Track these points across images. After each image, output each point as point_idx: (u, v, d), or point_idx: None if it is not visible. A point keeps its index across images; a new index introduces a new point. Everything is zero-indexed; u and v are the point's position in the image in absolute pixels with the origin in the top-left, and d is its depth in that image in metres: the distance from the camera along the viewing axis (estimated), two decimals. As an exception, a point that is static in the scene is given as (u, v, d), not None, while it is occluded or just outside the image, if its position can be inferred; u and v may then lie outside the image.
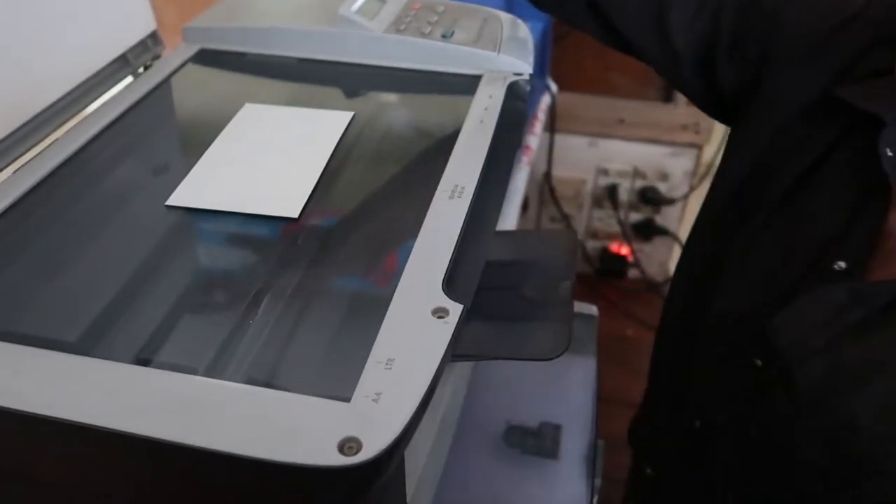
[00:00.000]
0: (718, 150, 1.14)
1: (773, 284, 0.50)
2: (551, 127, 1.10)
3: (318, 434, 0.25)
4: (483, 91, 0.48)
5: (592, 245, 1.26)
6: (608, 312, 1.22)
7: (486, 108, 0.46)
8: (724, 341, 0.54)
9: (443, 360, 0.29)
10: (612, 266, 1.25)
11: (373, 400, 0.26)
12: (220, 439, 0.25)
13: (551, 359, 0.40)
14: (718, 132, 1.13)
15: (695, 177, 1.15)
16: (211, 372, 0.30)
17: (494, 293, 0.46)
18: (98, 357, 0.29)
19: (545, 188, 1.21)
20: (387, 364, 0.28)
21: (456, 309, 0.32)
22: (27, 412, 0.26)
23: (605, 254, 1.25)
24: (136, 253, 0.36)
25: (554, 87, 1.05)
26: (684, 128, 1.10)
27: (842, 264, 0.45)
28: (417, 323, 0.31)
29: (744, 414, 0.52)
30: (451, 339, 0.30)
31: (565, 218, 1.22)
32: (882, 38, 0.47)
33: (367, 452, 0.25)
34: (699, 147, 1.13)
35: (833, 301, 0.44)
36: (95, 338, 0.32)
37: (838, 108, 0.46)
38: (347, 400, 0.26)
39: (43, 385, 0.27)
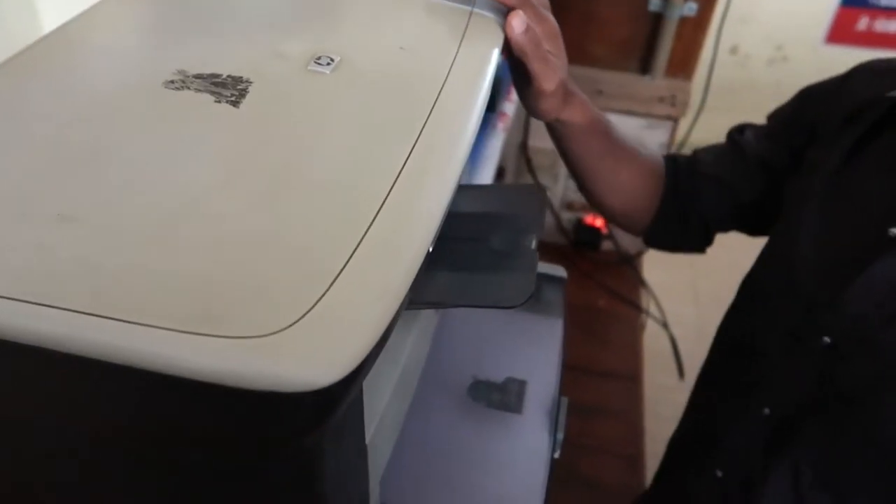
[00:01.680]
0: (692, 124, 1.15)
1: (831, 262, 0.53)
2: (529, 96, 1.10)
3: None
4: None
5: (567, 216, 1.27)
6: (581, 283, 1.23)
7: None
8: (788, 326, 0.56)
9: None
10: (586, 237, 1.26)
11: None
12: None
13: (515, 306, 0.40)
14: (693, 106, 1.14)
15: (670, 149, 1.16)
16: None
17: (461, 244, 0.47)
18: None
19: (521, 158, 1.21)
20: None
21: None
22: None
23: (580, 225, 1.26)
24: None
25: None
26: (661, 100, 1.10)
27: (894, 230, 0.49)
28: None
29: (816, 398, 0.54)
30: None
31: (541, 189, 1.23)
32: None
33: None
34: (675, 120, 1.13)
35: None
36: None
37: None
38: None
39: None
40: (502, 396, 0.55)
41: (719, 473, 0.64)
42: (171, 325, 0.25)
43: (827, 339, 0.53)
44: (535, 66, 0.51)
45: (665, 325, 1.23)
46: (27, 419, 0.32)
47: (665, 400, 1.82)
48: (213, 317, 0.25)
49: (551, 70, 0.51)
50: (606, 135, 0.63)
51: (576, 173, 0.66)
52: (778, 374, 0.58)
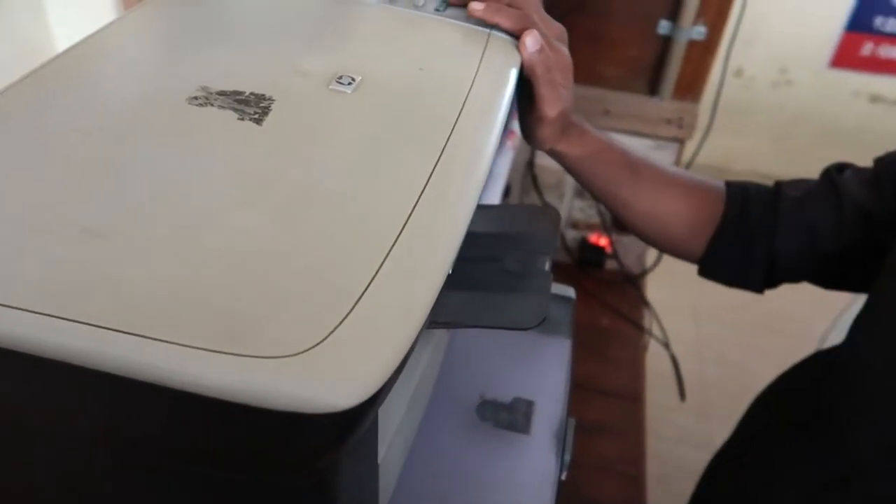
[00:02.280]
0: (699, 146, 1.16)
1: None
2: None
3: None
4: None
5: (572, 235, 1.27)
6: (585, 302, 1.23)
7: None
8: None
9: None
10: (590, 257, 1.26)
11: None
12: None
13: (529, 328, 0.41)
14: (700, 129, 1.14)
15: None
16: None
17: (476, 264, 0.47)
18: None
19: (528, 176, 1.21)
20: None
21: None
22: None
23: (584, 244, 1.26)
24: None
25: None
26: (668, 122, 1.11)
27: None
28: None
29: None
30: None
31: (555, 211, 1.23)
32: None
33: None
34: (681, 141, 1.14)
35: None
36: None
37: None
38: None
39: None
40: (510, 416, 0.55)
41: None
42: (195, 342, 0.25)
43: None
44: (543, 90, 0.51)
45: (667, 346, 1.23)
46: (47, 433, 0.32)
47: (666, 420, 1.82)
48: (238, 335, 0.25)
49: (557, 97, 0.52)
50: (621, 164, 0.60)
51: (597, 200, 0.64)
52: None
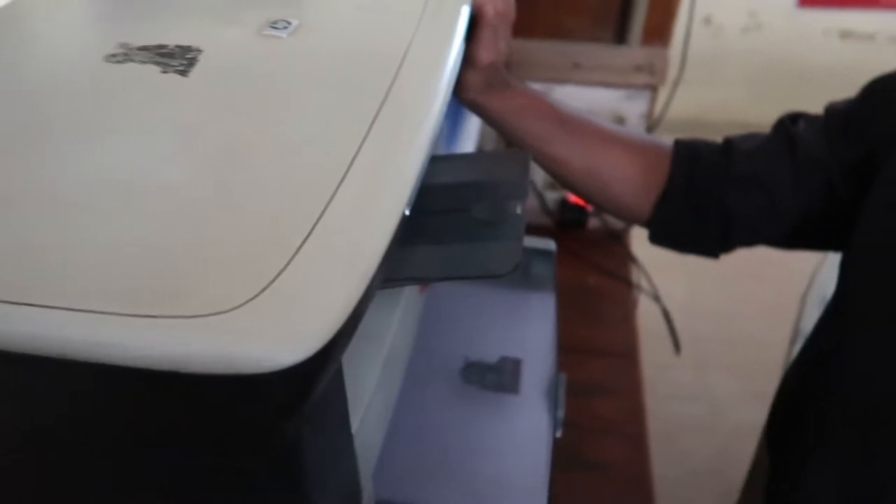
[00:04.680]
0: (670, 96, 1.13)
1: None
2: (504, 74, 1.07)
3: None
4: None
5: (551, 196, 1.24)
6: (570, 263, 1.21)
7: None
8: None
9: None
10: (571, 216, 1.24)
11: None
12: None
13: (503, 274, 0.38)
14: (672, 72, 1.11)
15: (650, 119, 1.13)
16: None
17: (444, 216, 0.44)
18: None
19: (500, 137, 1.18)
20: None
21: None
22: None
23: (565, 204, 1.24)
24: None
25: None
26: (639, 69, 1.08)
27: None
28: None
29: None
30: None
31: (523, 153, 1.20)
32: None
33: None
34: (653, 88, 1.11)
35: None
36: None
37: None
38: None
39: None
40: (497, 377, 0.52)
41: None
42: (110, 308, 0.22)
43: None
44: (484, 32, 0.48)
45: (657, 299, 1.21)
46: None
47: (663, 377, 1.81)
48: (163, 295, 0.22)
49: (495, 43, 0.49)
50: (552, 119, 0.56)
51: (534, 159, 0.58)
52: None
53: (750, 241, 0.58)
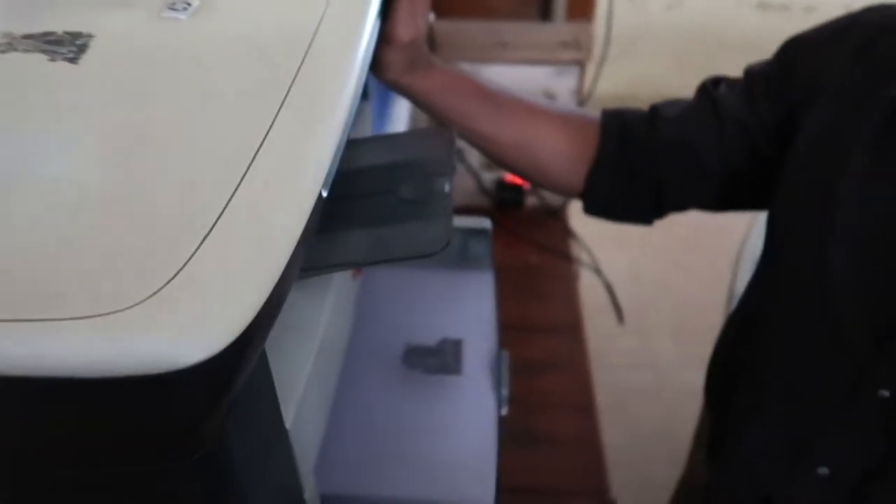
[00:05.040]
0: (597, 72, 1.14)
1: (878, 292, 0.43)
2: (432, 56, 1.06)
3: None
4: None
5: (488, 177, 1.24)
6: (509, 243, 1.21)
7: None
8: (828, 372, 0.47)
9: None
10: (509, 196, 1.24)
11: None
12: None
13: (435, 253, 0.37)
14: (598, 49, 1.12)
15: (580, 95, 1.14)
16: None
17: (370, 199, 0.42)
18: None
19: (433, 119, 1.17)
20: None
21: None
22: None
23: (501, 184, 1.24)
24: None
25: (430, 15, 1.00)
26: (565, 45, 1.08)
27: None
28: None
29: (885, 458, 0.46)
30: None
31: (457, 151, 1.19)
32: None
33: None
34: (581, 64, 1.12)
35: None
36: None
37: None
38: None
39: None
40: (439, 359, 0.51)
41: None
42: (-5, 314, 0.20)
43: (885, 392, 0.43)
44: (402, 10, 0.47)
45: (599, 272, 1.23)
46: None
47: (610, 348, 1.85)
48: (47, 297, 0.20)
49: (413, 20, 0.48)
50: (477, 96, 0.55)
51: (463, 139, 0.58)
52: (831, 429, 0.47)
53: (681, 205, 0.59)
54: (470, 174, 1.22)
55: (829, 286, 0.45)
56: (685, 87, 0.63)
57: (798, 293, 0.49)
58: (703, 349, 0.71)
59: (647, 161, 0.56)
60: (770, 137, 0.53)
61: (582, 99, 1.16)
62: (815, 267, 0.46)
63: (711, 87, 0.56)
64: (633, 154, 0.56)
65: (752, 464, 0.53)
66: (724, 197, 0.57)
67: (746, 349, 0.56)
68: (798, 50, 0.53)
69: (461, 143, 1.18)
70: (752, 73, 0.55)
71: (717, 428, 0.60)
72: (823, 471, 0.48)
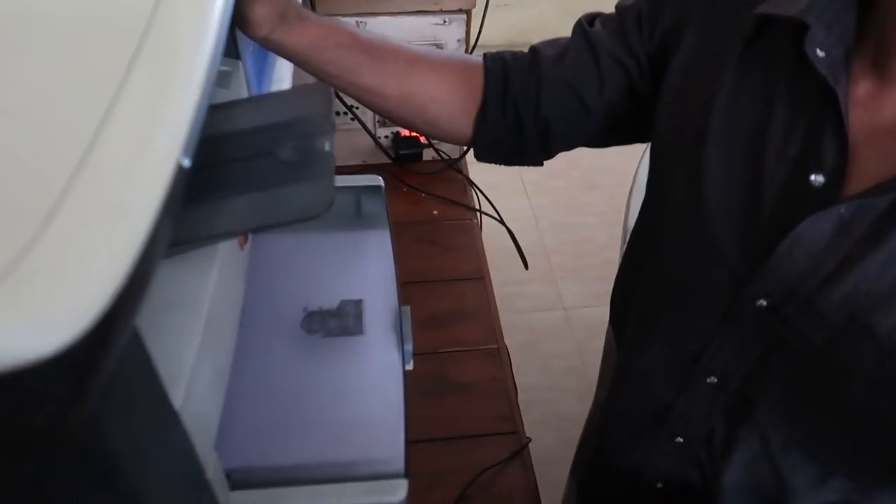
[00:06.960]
0: (484, 14, 1.13)
1: (748, 216, 0.46)
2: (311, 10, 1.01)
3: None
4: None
5: (383, 132, 1.22)
6: (411, 197, 1.20)
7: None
8: (711, 287, 0.49)
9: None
10: (406, 150, 1.22)
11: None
12: None
13: (319, 215, 0.36)
14: (480, 3, 1.11)
15: (468, 44, 1.14)
16: None
17: (248, 163, 0.41)
18: None
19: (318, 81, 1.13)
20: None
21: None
22: None
23: (398, 139, 1.22)
24: None
25: (308, -35, 0.96)
26: (449, -7, 1.07)
27: (819, 178, 0.42)
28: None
29: (766, 363, 0.49)
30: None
31: (350, 109, 1.16)
32: None
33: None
34: (467, 12, 1.11)
35: (833, 220, 0.41)
36: None
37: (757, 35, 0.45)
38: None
39: None
40: (340, 322, 0.51)
41: (680, 440, 0.57)
42: None
43: (763, 302, 0.46)
44: None
45: (501, 221, 1.25)
46: None
47: (518, 294, 1.90)
48: None
49: None
50: (354, 48, 0.53)
51: (345, 93, 0.57)
52: (716, 340, 0.50)
53: (568, 144, 0.60)
54: (365, 131, 1.20)
55: (705, 207, 0.48)
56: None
57: (679, 216, 0.51)
58: (607, 285, 0.74)
59: (530, 102, 0.57)
60: (644, 71, 0.54)
61: (470, 48, 1.16)
62: (692, 190, 0.48)
63: (587, 25, 0.57)
64: (517, 96, 0.57)
65: (647, 380, 0.57)
66: (608, 132, 0.59)
67: (640, 274, 0.59)
68: None
69: (350, 101, 1.15)
70: (624, 7, 0.56)
71: (620, 356, 0.64)
72: (712, 380, 0.52)
